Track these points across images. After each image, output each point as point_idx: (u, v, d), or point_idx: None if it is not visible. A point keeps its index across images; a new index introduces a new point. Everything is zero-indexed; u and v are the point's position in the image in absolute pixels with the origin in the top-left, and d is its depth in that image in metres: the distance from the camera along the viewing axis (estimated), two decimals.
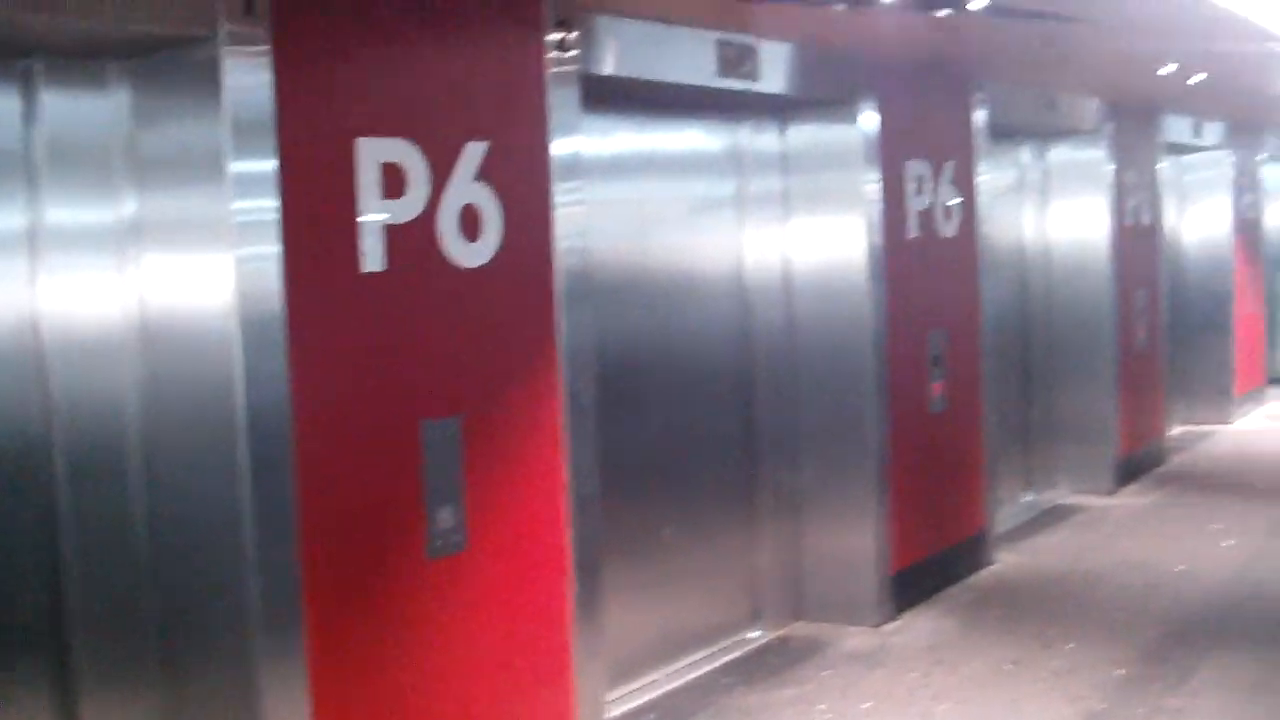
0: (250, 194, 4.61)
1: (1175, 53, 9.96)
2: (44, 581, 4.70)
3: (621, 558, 7.06)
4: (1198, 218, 15.76)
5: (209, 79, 4.55)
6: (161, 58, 4.65)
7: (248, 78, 4.59)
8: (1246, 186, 16.15)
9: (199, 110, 4.61)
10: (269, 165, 4.67)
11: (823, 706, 6.94)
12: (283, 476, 4.71)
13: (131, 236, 4.76)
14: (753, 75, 7.29)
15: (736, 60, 7.14)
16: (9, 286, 4.62)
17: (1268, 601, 8.31)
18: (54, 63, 4.62)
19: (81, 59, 4.66)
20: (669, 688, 7.38)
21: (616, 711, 6.90)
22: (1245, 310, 16.19)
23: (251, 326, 4.60)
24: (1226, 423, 15.53)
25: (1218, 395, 15.69)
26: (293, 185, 4.75)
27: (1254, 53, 10.15)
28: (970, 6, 7.01)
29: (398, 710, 5.22)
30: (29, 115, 4.63)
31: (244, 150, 4.58)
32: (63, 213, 4.66)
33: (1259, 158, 16.67)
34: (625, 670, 7.20)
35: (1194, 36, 9.21)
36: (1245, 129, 15.94)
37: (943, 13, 7.19)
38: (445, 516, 5.37)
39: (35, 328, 4.65)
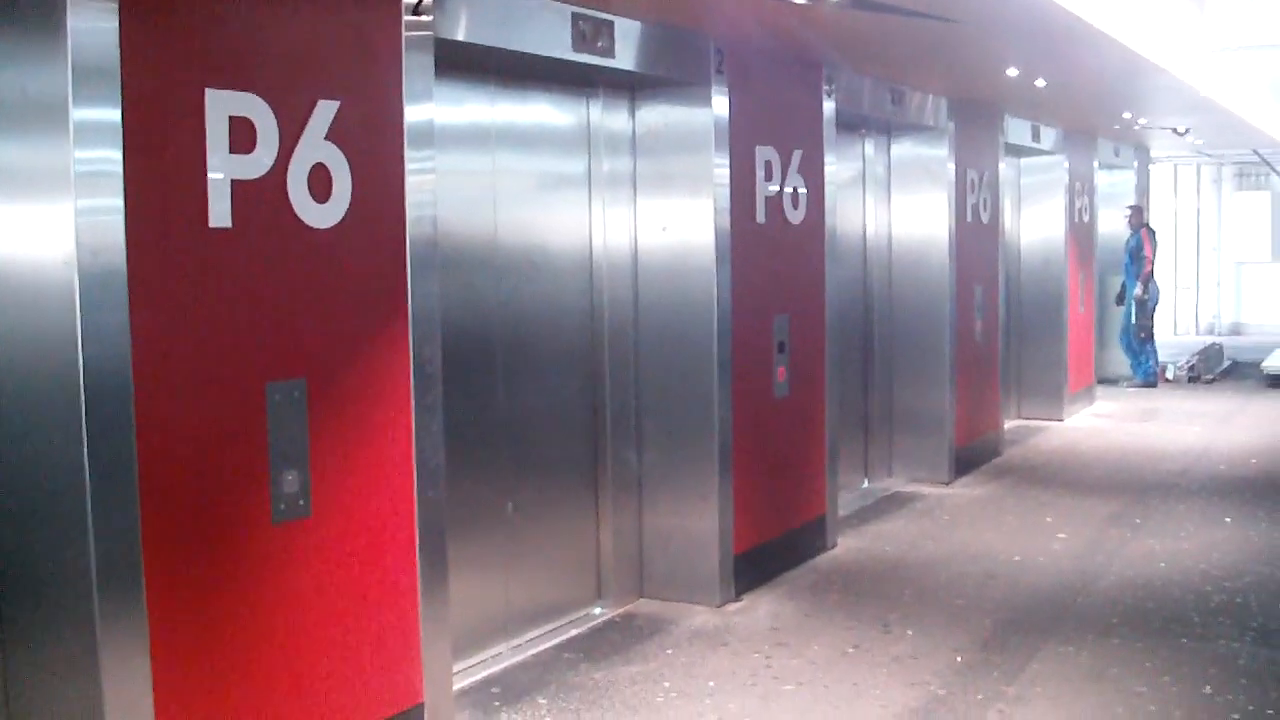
0: (92, 143, 4.47)
1: (1021, 56, 10.11)
2: None
3: (465, 531, 7.00)
4: (1034, 219, 16.08)
5: (52, 21, 4.40)
6: None
7: (93, 21, 4.45)
8: (1080, 190, 16.48)
9: (40, 53, 4.46)
10: (113, 114, 4.52)
11: (667, 684, 6.92)
12: (123, 436, 4.57)
13: None
14: (607, 51, 7.26)
15: (592, 35, 7.10)
16: None
17: (1099, 594, 8.44)
18: None
19: None
20: (512, 662, 7.32)
21: (461, 684, 6.81)
22: (1077, 311, 16.53)
23: (91, 280, 4.46)
24: (1059, 419, 15.87)
25: (1051, 392, 16.01)
26: (138, 136, 4.63)
27: (1095, 62, 10.35)
28: None
29: (242, 677, 5.11)
30: None
31: (87, 97, 4.44)
32: None
33: (1093, 163, 17.01)
34: (469, 644, 7.15)
35: (1040, 41, 9.36)
36: (1081, 135, 16.30)
37: (798, 0, 7.20)
38: (290, 481, 5.26)
39: None
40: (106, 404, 4.51)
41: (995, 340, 13.53)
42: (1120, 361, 18.92)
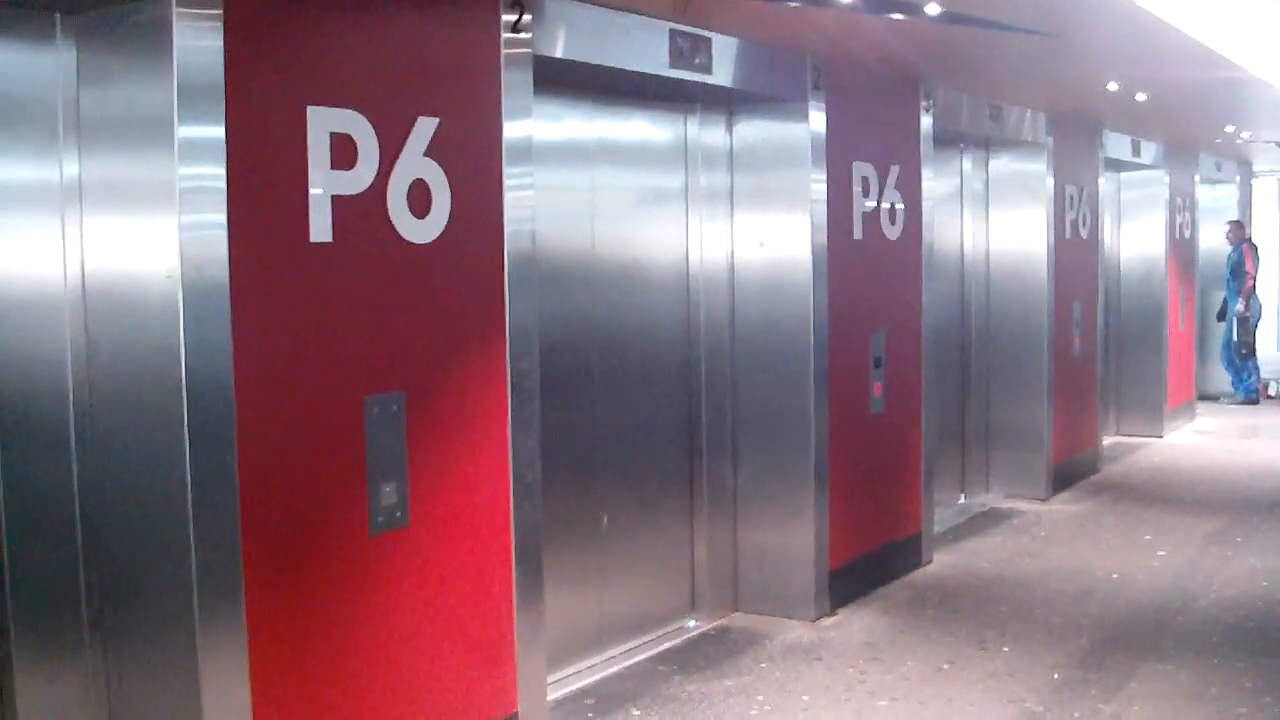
0: (197, 160, 4.54)
1: (1121, 70, 10.04)
2: None
3: (560, 543, 7.04)
4: (1134, 235, 15.92)
5: (159, 39, 4.48)
6: (111, 14, 4.57)
7: (198, 40, 4.52)
8: (1181, 206, 16.31)
9: (147, 71, 4.53)
10: (217, 131, 4.59)
11: (761, 698, 6.92)
12: (224, 446, 4.64)
13: (74, 197, 4.68)
14: (705, 68, 7.28)
15: (690, 51, 7.13)
16: None
17: (1199, 613, 8.35)
18: None
19: (27, 10, 4.58)
20: (607, 673, 7.36)
21: (555, 695, 6.86)
22: (1178, 326, 16.35)
23: (195, 294, 4.53)
24: (1158, 435, 15.69)
25: (1150, 408, 15.84)
26: (241, 151, 4.69)
27: (1197, 76, 10.24)
28: (926, 11, 7.02)
29: (337, 686, 5.16)
30: None
31: (192, 115, 4.51)
32: (2, 169, 4.57)
33: (1194, 178, 16.83)
34: (563, 655, 7.19)
35: (1141, 55, 9.28)
36: (1182, 149, 16.12)
37: (896, 16, 7.19)
38: (388, 493, 5.32)
39: None
40: (209, 415, 4.58)
41: (1094, 356, 13.41)
42: (1221, 378, 18.67)
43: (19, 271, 4.63)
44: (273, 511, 4.89)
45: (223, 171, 4.61)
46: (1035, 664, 7.38)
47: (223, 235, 4.61)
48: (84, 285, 4.70)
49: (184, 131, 4.48)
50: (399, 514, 5.38)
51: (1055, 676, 7.19)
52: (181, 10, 4.45)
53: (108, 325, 4.69)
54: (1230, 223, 18.34)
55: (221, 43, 4.59)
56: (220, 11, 4.58)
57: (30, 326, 4.66)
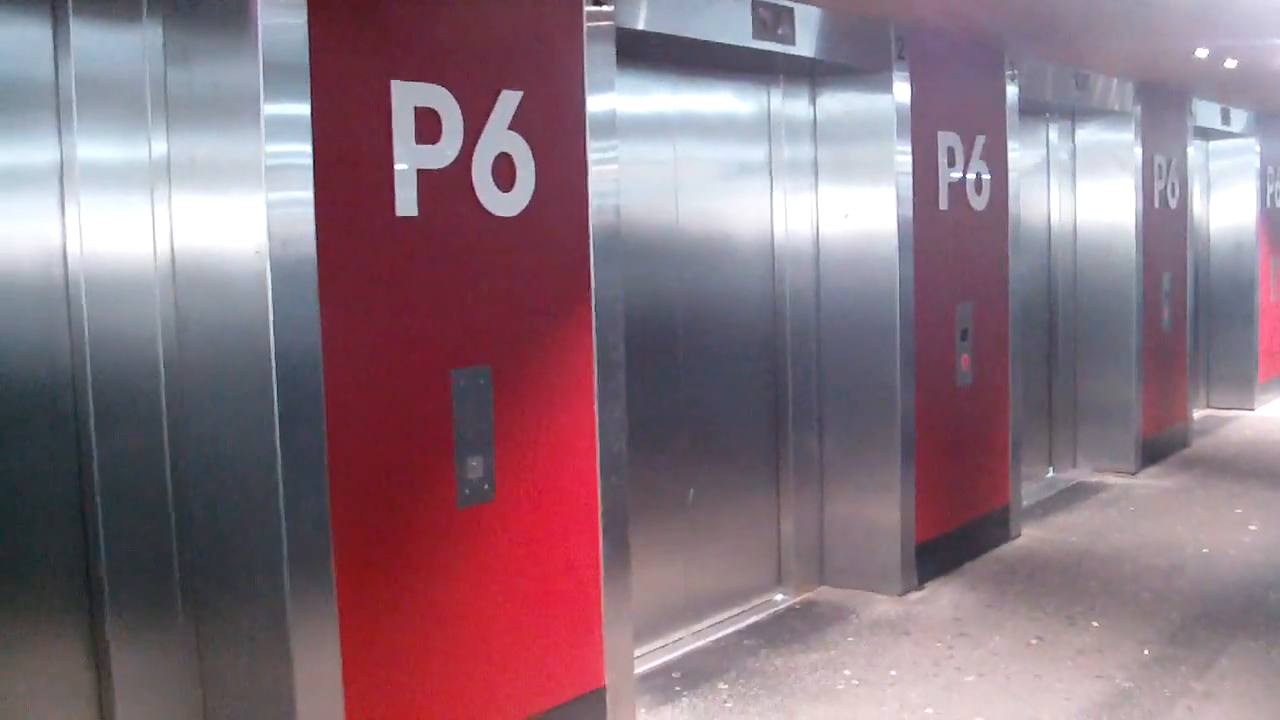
0: (283, 137, 4.56)
1: (1210, 37, 9.89)
2: (73, 524, 4.67)
3: (647, 517, 7.06)
4: (1224, 204, 15.69)
5: (244, 17, 4.50)
6: None
7: (282, 17, 4.55)
8: (1272, 174, 16.07)
9: (232, 49, 4.56)
10: (303, 108, 4.62)
11: (848, 672, 6.90)
12: (313, 421, 4.67)
13: (162, 176, 4.72)
14: (788, 38, 7.24)
15: (772, 22, 7.10)
16: (38, 222, 4.58)
17: None
18: None
19: None
20: (693, 647, 7.37)
21: (642, 669, 6.88)
22: (1269, 298, 16.12)
23: (283, 270, 4.56)
24: (1249, 409, 15.48)
25: (1241, 381, 15.63)
26: (326, 128, 4.72)
27: None
28: None
29: (425, 658, 5.20)
30: (58, 46, 4.57)
31: (277, 92, 4.53)
32: (91, 148, 4.60)
33: None
34: (650, 629, 7.21)
35: (1230, 21, 9.14)
36: (1273, 117, 15.86)
37: None
38: (475, 466, 5.34)
39: (65, 265, 4.61)
40: (297, 390, 4.61)
41: (1183, 328, 13.26)
42: None
43: (110, 250, 4.66)
44: (361, 486, 4.92)
45: (308, 148, 4.63)
46: (1124, 640, 7.32)
47: (309, 211, 4.64)
48: (173, 263, 4.75)
49: (270, 109, 4.50)
50: (486, 487, 5.40)
51: (1145, 653, 7.12)
52: None
53: (197, 302, 4.73)
54: None
55: (305, 19, 4.61)
56: None
57: (122, 304, 4.69)
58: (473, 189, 5.34)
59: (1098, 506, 10.66)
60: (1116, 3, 7.81)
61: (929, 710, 6.42)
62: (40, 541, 4.62)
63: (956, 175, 8.84)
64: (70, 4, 4.54)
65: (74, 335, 4.62)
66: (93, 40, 4.60)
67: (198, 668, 4.87)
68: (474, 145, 5.33)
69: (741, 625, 7.71)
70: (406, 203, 5.06)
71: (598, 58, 5.94)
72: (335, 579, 4.76)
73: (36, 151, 4.56)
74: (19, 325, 4.54)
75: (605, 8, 5.95)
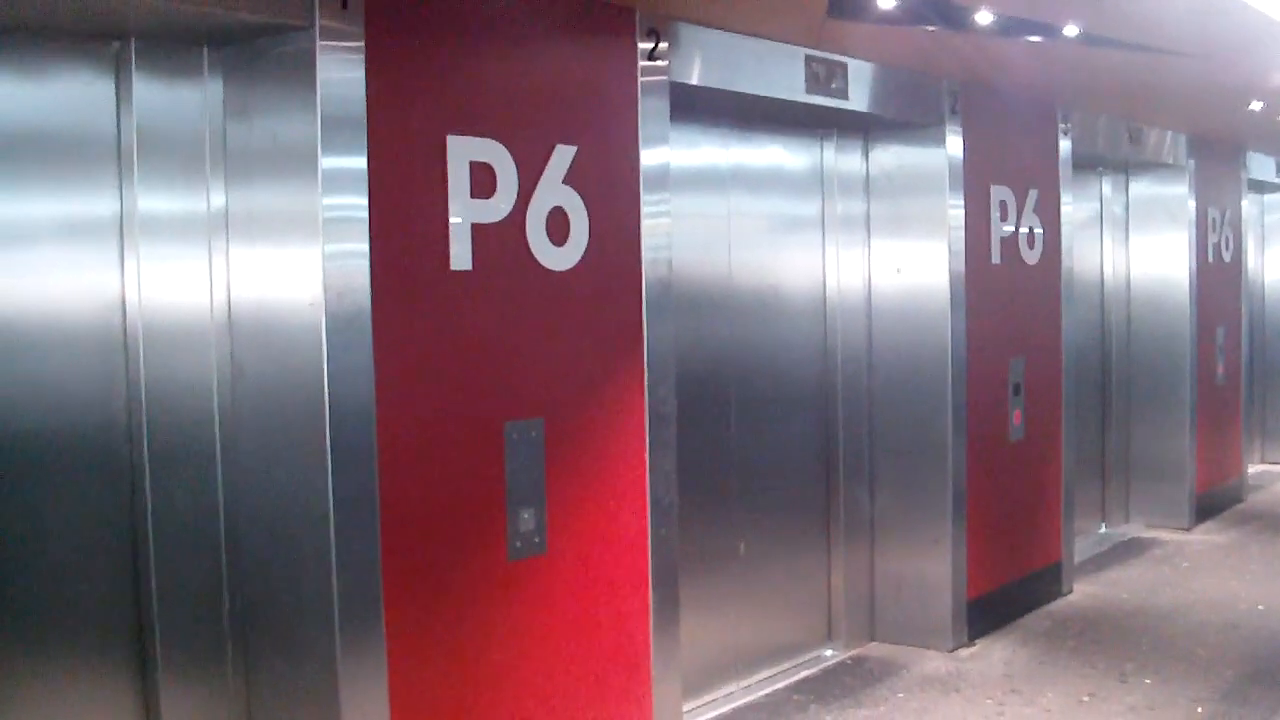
0: (340, 190, 4.61)
1: (1264, 90, 9.87)
2: (126, 570, 4.71)
3: (697, 570, 7.04)
4: (1278, 257, 15.59)
5: (302, 72, 4.56)
6: (254, 48, 4.67)
7: (341, 72, 4.61)
8: None
9: (291, 103, 4.62)
10: (359, 162, 4.67)
11: None
12: (366, 471, 4.70)
13: (220, 228, 4.77)
14: (841, 93, 7.26)
15: (825, 77, 7.12)
16: (98, 273, 4.63)
17: None
18: (147, 47, 4.63)
19: (174, 45, 4.68)
20: (742, 702, 7.33)
21: None
22: None
23: (338, 322, 4.60)
24: None
25: None
26: (382, 181, 4.77)
27: None
28: (1065, 33, 6.97)
29: (473, 709, 5.20)
30: (121, 99, 4.64)
31: (335, 146, 4.58)
32: (152, 200, 4.67)
33: None
34: (699, 682, 7.19)
35: None
36: None
37: (1034, 39, 7.14)
38: (526, 519, 5.36)
39: (123, 314, 4.66)
40: (351, 440, 4.64)
41: (1238, 382, 13.18)
42: None
43: (169, 300, 4.71)
44: (413, 536, 4.94)
45: (365, 201, 4.68)
46: (1177, 697, 7.25)
47: (364, 264, 4.68)
48: (230, 313, 4.80)
49: (327, 162, 4.56)
50: (537, 540, 5.41)
51: (1199, 711, 7.05)
52: (325, 43, 4.54)
53: (252, 352, 4.78)
54: None
55: (363, 74, 4.67)
56: (362, 44, 4.66)
57: (178, 354, 4.74)
58: (526, 243, 5.37)
59: (1151, 562, 10.58)
60: (1170, 58, 7.80)
61: None
62: (93, 589, 4.65)
63: (1009, 229, 8.83)
64: (134, 58, 4.61)
65: (130, 384, 4.67)
66: (154, 94, 4.67)
67: (246, 716, 4.88)
68: (528, 199, 5.37)
69: (791, 680, 7.67)
70: (461, 256, 5.09)
71: (651, 112, 5.97)
72: (385, 630, 4.77)
73: (98, 203, 4.63)
74: (77, 374, 4.59)
75: (659, 63, 5.99)
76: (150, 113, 4.65)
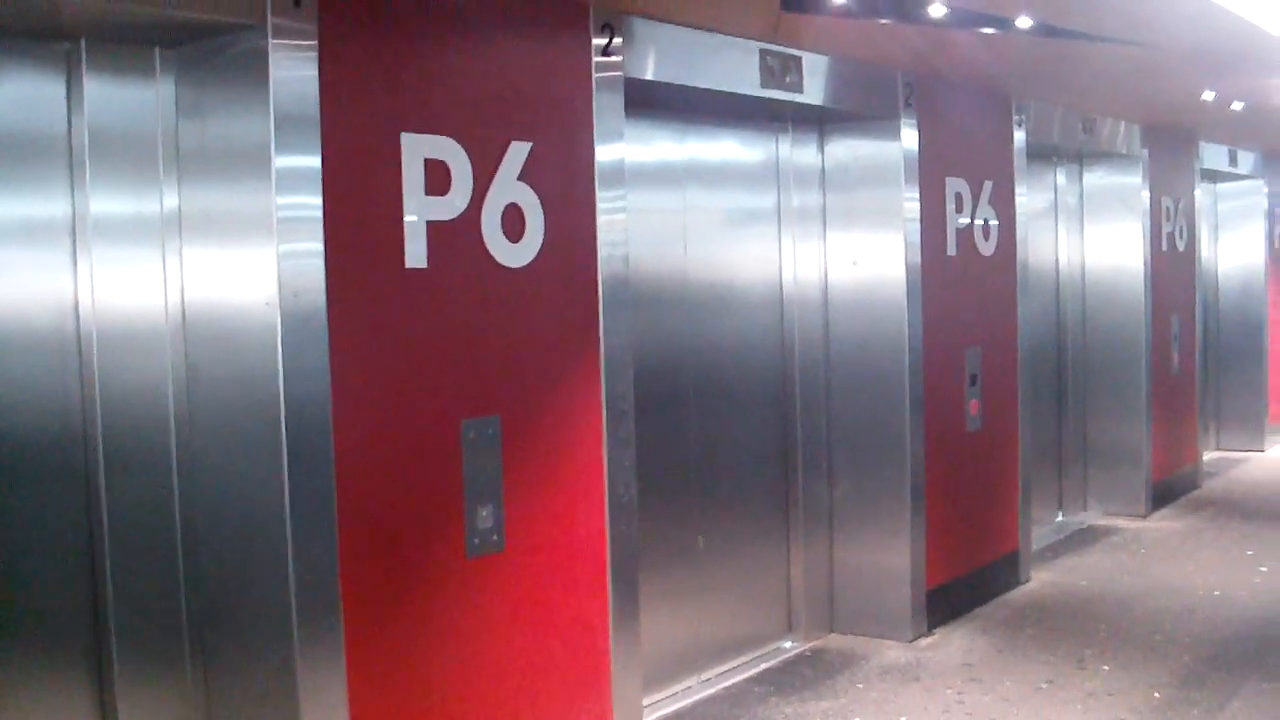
0: (294, 189, 4.60)
1: (1216, 80, 9.93)
2: (82, 573, 4.69)
3: (656, 564, 7.05)
4: (1232, 246, 15.68)
5: (255, 71, 4.55)
6: (207, 47, 4.65)
7: (293, 70, 4.60)
8: None
9: (244, 103, 4.60)
10: (313, 161, 4.66)
11: (858, 719, 6.89)
12: (323, 471, 4.70)
13: (174, 228, 4.76)
14: (796, 86, 7.27)
15: (780, 70, 7.13)
16: (50, 275, 4.61)
17: None
18: (97, 47, 4.61)
19: (126, 45, 4.66)
20: (703, 695, 7.34)
21: (651, 717, 6.88)
22: (1278, 338, 16.10)
23: (293, 321, 4.59)
24: (1259, 450, 15.43)
25: (1251, 423, 15.59)
26: (337, 180, 4.76)
27: None
28: (1018, 24, 7.00)
29: (434, 708, 5.20)
30: (72, 100, 4.62)
31: (288, 145, 4.58)
32: (104, 201, 4.65)
33: None
34: (659, 677, 7.19)
35: (1236, 64, 9.17)
36: None
37: (987, 30, 7.17)
38: (485, 516, 5.36)
39: (76, 316, 4.64)
40: (307, 440, 4.64)
41: (1193, 370, 13.26)
42: None
43: (123, 302, 4.70)
44: (370, 535, 4.93)
45: (319, 200, 4.67)
46: (1136, 683, 7.30)
47: (320, 263, 4.67)
48: (184, 314, 4.78)
49: (281, 161, 4.55)
50: (495, 537, 5.41)
51: (1156, 696, 7.10)
52: (277, 42, 4.53)
53: (207, 353, 4.76)
54: None
55: (316, 72, 4.66)
56: (315, 42, 4.65)
57: (133, 356, 4.73)
58: (482, 240, 5.37)
59: (1108, 550, 10.64)
60: (1123, 48, 7.84)
61: None
62: (49, 592, 4.63)
63: (964, 221, 8.86)
64: (84, 58, 4.58)
65: (85, 387, 4.65)
66: (106, 94, 4.65)
67: (206, 718, 4.87)
68: (483, 197, 5.36)
69: (751, 673, 7.69)
70: (416, 254, 5.09)
71: (606, 108, 5.97)
72: (344, 629, 4.77)
73: (49, 205, 4.60)
74: (30, 377, 4.57)
75: (614, 58, 5.99)
76: (102, 113, 4.63)
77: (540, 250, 5.62)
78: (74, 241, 4.62)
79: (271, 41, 4.51)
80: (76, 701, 4.69)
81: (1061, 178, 11.85)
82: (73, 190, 4.61)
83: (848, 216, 8.22)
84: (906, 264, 8.12)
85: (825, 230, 8.25)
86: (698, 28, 6.56)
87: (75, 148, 4.61)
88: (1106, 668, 7.57)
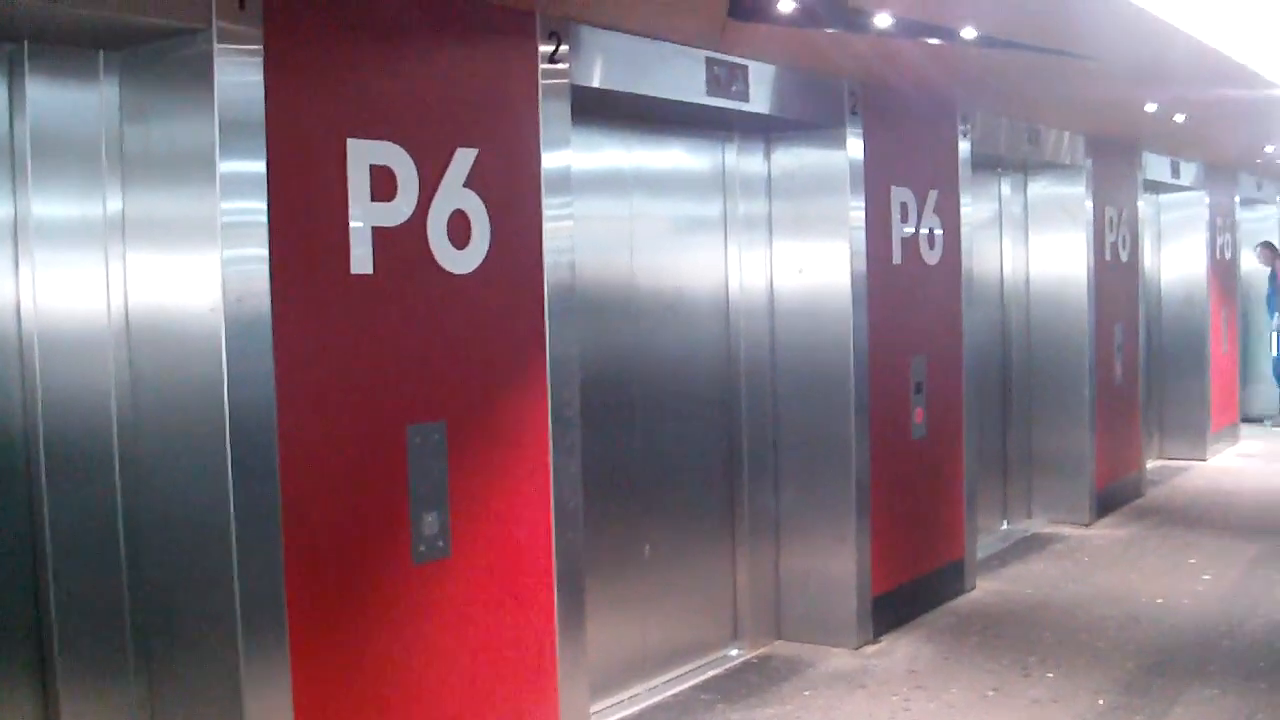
0: (239, 194, 4.59)
1: (1160, 92, 10.01)
2: (25, 578, 4.66)
3: (602, 572, 7.04)
4: (1174, 257, 15.82)
5: (200, 75, 4.53)
6: (151, 51, 4.63)
7: (239, 75, 4.58)
8: (1222, 227, 16.22)
9: (188, 107, 4.58)
10: (258, 165, 4.65)
11: None
12: (267, 477, 4.68)
13: (117, 233, 4.73)
14: (742, 95, 7.29)
15: (726, 79, 7.14)
16: None
17: (1246, 637, 8.28)
18: (40, 50, 4.58)
19: (70, 47, 4.63)
20: (650, 703, 7.34)
21: None
22: (1220, 348, 16.26)
23: (238, 327, 4.57)
24: (1202, 459, 15.57)
25: (1193, 431, 15.73)
26: (281, 185, 4.74)
27: (1236, 96, 10.21)
28: (963, 35, 7.03)
29: (380, 715, 5.17)
30: (14, 103, 4.59)
31: (233, 149, 4.56)
32: (47, 205, 4.62)
33: (1234, 199, 16.75)
34: (606, 684, 7.18)
35: (1179, 76, 9.25)
36: (1222, 170, 16.05)
37: (933, 41, 7.20)
38: (430, 522, 5.34)
39: (18, 320, 4.61)
40: (251, 446, 4.61)
41: (1136, 379, 13.35)
42: (1266, 400, 18.53)
43: (66, 306, 4.67)
44: (315, 542, 4.91)
45: (264, 205, 4.66)
46: (1079, 690, 7.34)
47: (264, 269, 4.66)
48: (127, 319, 4.75)
49: (225, 166, 4.53)
50: (441, 543, 5.40)
51: (1100, 702, 7.14)
52: (222, 46, 4.51)
53: (151, 358, 4.74)
54: (1261, 244, 18.11)
55: (262, 77, 4.64)
56: (260, 46, 4.64)
57: (75, 361, 4.70)
58: (428, 246, 5.36)
59: (1052, 558, 10.70)
60: (1067, 60, 7.89)
61: None
62: None
63: (910, 230, 8.90)
64: (27, 61, 4.55)
65: (26, 391, 4.62)
66: (49, 97, 4.62)
67: None
68: (429, 203, 5.35)
69: (698, 680, 7.68)
70: (361, 260, 5.07)
71: (553, 115, 5.97)
72: (289, 636, 4.75)
73: None
74: None
75: (560, 65, 5.99)
76: (45, 116, 4.60)
77: (486, 257, 5.61)
78: (15, 245, 4.59)
79: (216, 46, 4.49)
80: (20, 708, 4.66)
81: (1006, 187, 11.92)
82: (15, 193, 4.58)
83: (794, 225, 8.24)
84: (852, 272, 8.14)
85: (772, 238, 8.27)
86: (645, 36, 6.56)
87: (17, 150, 4.58)
88: (1051, 675, 7.61)
